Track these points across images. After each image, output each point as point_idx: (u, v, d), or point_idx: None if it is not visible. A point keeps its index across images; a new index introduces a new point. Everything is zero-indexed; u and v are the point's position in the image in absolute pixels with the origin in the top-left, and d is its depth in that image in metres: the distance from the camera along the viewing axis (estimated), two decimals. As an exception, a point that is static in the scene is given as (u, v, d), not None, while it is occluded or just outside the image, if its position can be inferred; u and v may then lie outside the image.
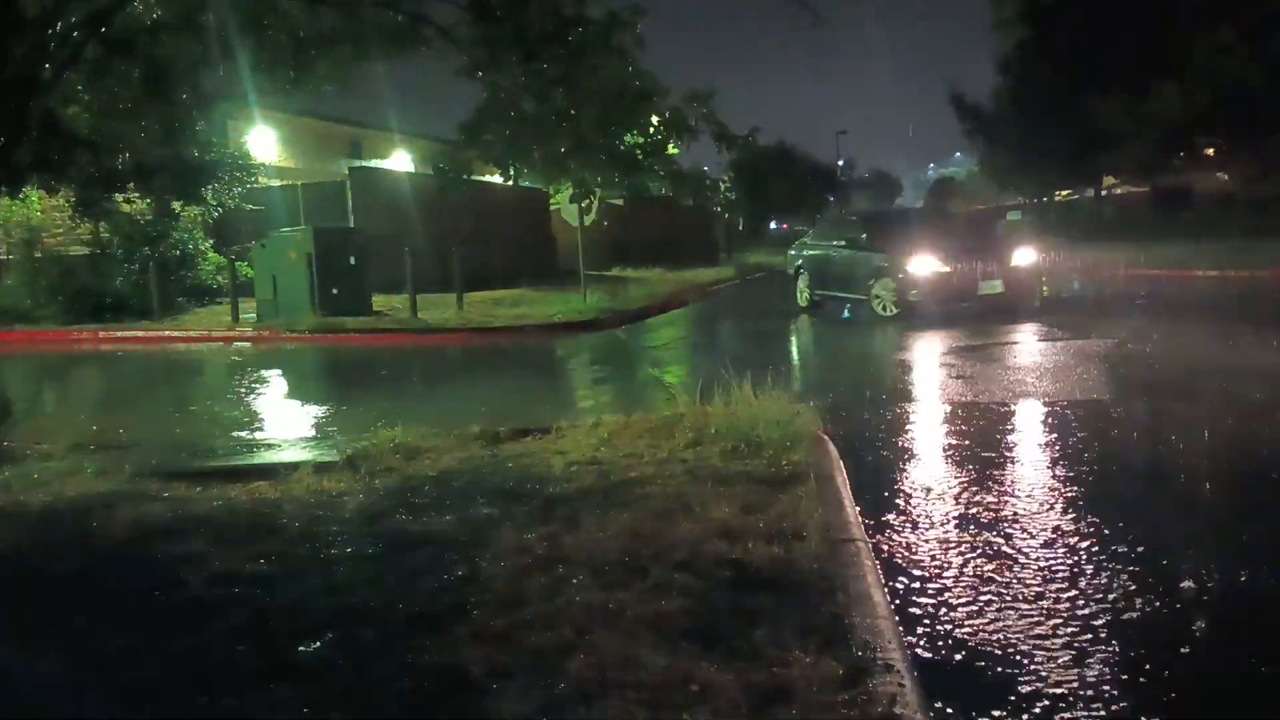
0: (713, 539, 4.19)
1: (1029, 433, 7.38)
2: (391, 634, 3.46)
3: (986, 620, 3.75)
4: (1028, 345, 11.79)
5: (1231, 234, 24.25)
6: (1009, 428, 7.46)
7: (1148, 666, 3.36)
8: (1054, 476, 5.81)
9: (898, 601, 3.90)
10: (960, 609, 3.87)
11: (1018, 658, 3.43)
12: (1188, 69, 24.68)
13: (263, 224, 21.68)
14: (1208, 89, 24.42)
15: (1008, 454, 6.53)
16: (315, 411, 9.90)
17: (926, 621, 3.76)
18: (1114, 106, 26.38)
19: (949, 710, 3.07)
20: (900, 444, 6.95)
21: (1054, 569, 4.25)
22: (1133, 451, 6.55)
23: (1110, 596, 3.93)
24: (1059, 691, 3.18)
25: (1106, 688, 3.20)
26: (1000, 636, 3.61)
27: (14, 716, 3.00)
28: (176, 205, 19.89)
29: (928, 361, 11.36)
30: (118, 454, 6.68)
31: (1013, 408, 8.05)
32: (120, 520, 4.95)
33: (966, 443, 6.79)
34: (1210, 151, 31.36)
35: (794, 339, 15.54)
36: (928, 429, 7.55)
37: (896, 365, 11.30)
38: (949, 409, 8.17)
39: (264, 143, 31.17)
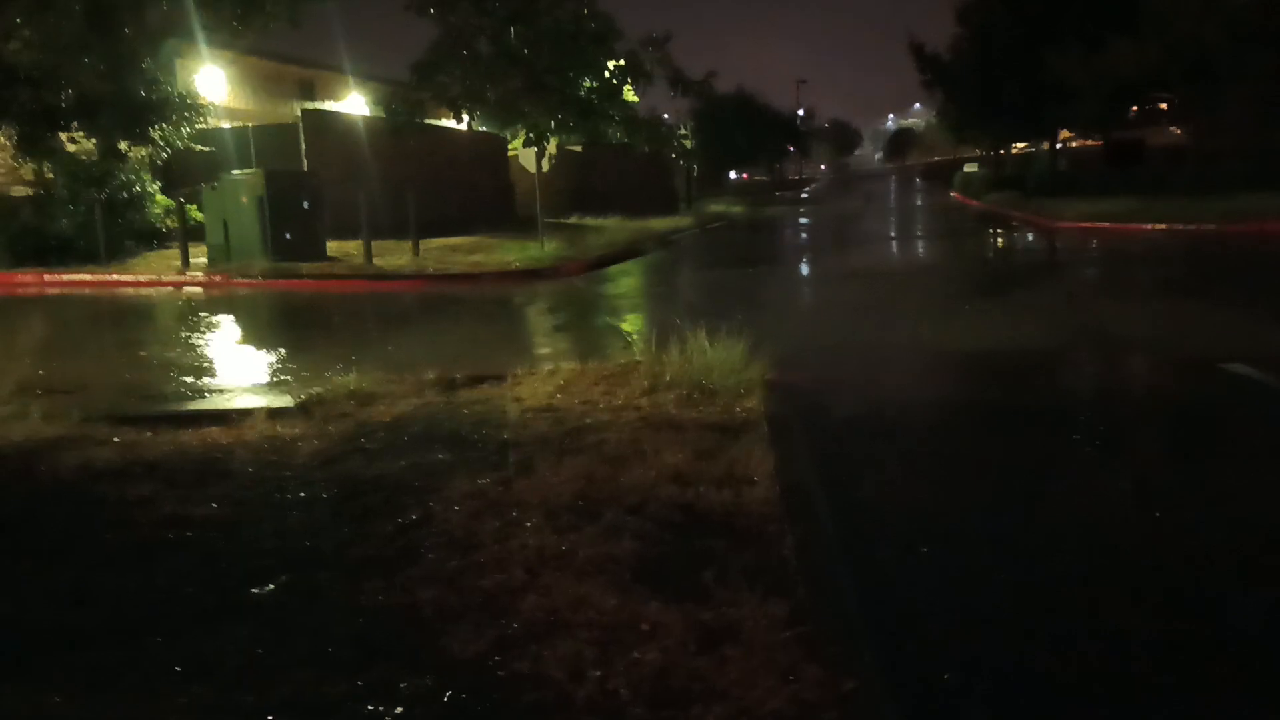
0: (665, 484, 4.25)
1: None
2: (344, 576, 3.49)
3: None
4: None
5: (1179, 189, 24.52)
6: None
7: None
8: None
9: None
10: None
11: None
12: (1142, 22, 24.76)
13: (213, 166, 21.14)
14: (1160, 43, 24.52)
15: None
16: (269, 358, 9.79)
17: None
18: (1069, 59, 26.46)
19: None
20: (853, 392, 7.08)
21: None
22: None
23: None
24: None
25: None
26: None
27: None
28: (123, 145, 19.36)
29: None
30: (65, 398, 6.60)
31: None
32: (67, 463, 4.91)
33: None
34: (1163, 106, 31.64)
35: (751, 290, 15.56)
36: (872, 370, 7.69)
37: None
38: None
39: (213, 82, 30.29)
